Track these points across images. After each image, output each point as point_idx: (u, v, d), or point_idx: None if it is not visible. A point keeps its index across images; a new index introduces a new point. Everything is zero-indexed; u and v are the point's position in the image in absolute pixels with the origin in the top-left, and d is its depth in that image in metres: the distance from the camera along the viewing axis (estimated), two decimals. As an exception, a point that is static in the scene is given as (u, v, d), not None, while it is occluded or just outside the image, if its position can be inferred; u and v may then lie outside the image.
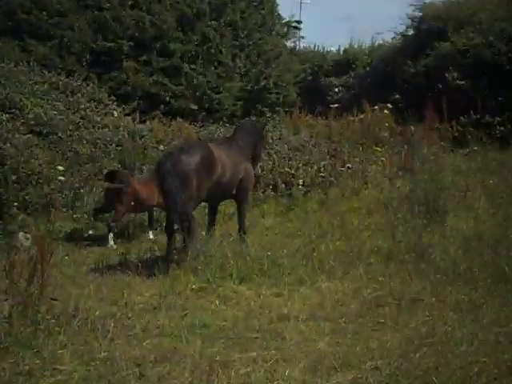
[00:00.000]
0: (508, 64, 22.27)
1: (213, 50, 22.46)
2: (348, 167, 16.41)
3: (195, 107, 21.81)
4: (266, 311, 8.47)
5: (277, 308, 8.55)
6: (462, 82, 22.75)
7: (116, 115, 18.48)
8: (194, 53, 22.32)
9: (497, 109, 21.79)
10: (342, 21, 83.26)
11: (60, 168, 13.97)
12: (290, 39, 30.96)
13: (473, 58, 23.06)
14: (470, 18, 24.31)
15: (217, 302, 8.85)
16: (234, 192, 11.49)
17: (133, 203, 12.47)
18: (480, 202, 14.25)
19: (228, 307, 8.72)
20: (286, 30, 29.27)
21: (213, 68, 22.58)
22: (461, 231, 12.21)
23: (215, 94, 22.24)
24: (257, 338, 7.46)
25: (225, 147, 11.50)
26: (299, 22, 31.83)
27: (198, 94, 22.01)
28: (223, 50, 22.69)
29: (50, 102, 17.02)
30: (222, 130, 19.05)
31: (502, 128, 21.25)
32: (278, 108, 24.26)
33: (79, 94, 18.65)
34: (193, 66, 22.27)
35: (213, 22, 22.77)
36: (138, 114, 19.63)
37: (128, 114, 19.33)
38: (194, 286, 9.45)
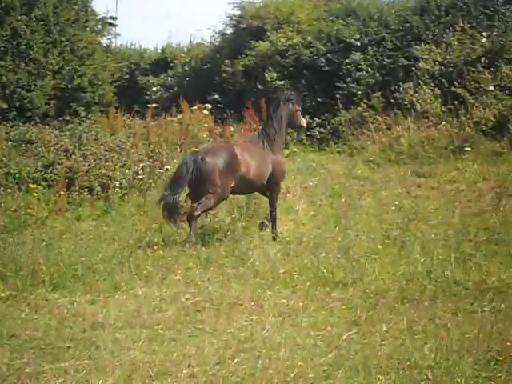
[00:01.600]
0: (327, 65, 23.05)
1: (23, 46, 21.89)
2: (167, 169, 16.42)
3: (5, 106, 21.20)
4: (80, 319, 8.41)
5: (91, 316, 8.49)
6: (282, 82, 23.31)
7: None
8: (2, 48, 21.67)
9: (316, 110, 22.46)
10: (161, 18, 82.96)
11: None
12: (105, 36, 30.59)
13: (292, 58, 23.69)
14: (288, 18, 24.94)
15: (27, 311, 8.72)
16: (263, 186, 12.83)
17: None
18: (300, 204, 14.71)
19: (39, 316, 8.58)
20: (100, 26, 28.90)
21: (23, 65, 22.01)
22: (280, 234, 12.58)
23: (26, 92, 21.70)
24: (69, 347, 7.38)
25: (252, 146, 13.04)
26: (114, 18, 31.51)
27: (7, 92, 21.42)
28: (35, 46, 22.15)
29: None
30: (34, 130, 18.57)
31: (322, 129, 21.90)
32: (93, 107, 23.92)
33: None
34: (1, 63, 21.65)
35: (23, 16, 22.24)
36: None
37: None
38: (2, 294, 9.26)
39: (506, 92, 19.02)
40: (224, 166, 12.16)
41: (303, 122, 13.80)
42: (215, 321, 8.27)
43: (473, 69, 20.08)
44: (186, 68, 27.76)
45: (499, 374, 6.33)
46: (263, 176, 12.74)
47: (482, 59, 20.27)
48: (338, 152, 20.52)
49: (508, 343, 6.96)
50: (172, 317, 8.46)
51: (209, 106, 21.76)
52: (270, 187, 12.95)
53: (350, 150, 20.19)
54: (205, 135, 19.38)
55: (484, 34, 20.97)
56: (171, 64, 28.72)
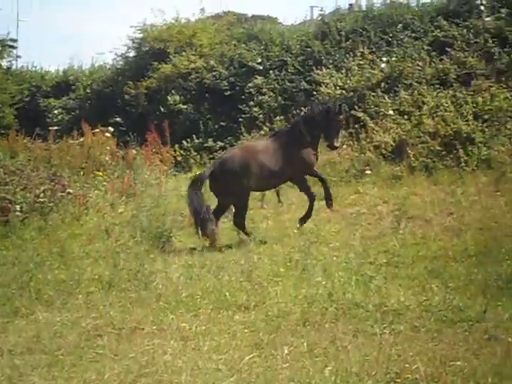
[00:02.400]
0: (229, 88, 23.23)
1: None
2: (68, 192, 16.21)
3: None
4: (-23, 346, 8.21)
5: (-11, 342, 8.31)
6: (185, 106, 23.39)
7: None
8: None
9: (219, 134, 22.60)
10: (63, 40, 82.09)
11: None
12: (4, 58, 30.15)
13: (195, 81, 23.81)
14: (191, 41, 25.07)
15: None
16: (286, 178, 14.60)
17: None
18: (203, 227, 14.72)
19: None
20: (0, 48, 28.49)
21: None
22: (184, 257, 12.55)
23: None
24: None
25: (267, 145, 14.47)
26: (15, 40, 31.23)
27: None
28: None
29: None
30: None
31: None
32: (-7, 130, 23.57)
33: None
34: None
35: None
36: None
37: None
38: None
39: (405, 116, 19.46)
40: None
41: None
42: (116, 345, 8.19)
43: (373, 93, 20.52)
44: (88, 91, 27.61)
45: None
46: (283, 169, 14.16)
47: (382, 84, 20.74)
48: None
49: (407, 365, 7.09)
50: (72, 342, 8.33)
51: (111, 128, 21.63)
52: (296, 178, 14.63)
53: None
54: (107, 158, 19.23)
55: (383, 59, 21.47)
56: (73, 86, 28.49)
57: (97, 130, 21.04)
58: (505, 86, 19.45)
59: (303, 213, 14.64)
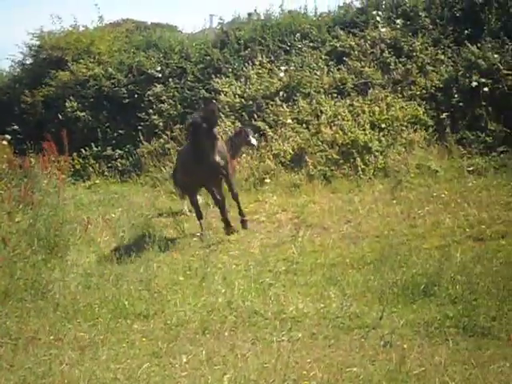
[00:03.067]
0: (128, 96, 23.08)
1: None
2: (-38, 202, 15.84)
3: None
4: None
5: None
6: (83, 114, 23.13)
7: None
8: None
9: (118, 141, 22.43)
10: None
11: None
12: None
13: (93, 88, 23.57)
14: (89, 48, 24.81)
15: None
16: None
17: None
18: (102, 235, 14.59)
19: None
20: None
21: None
22: (82, 266, 12.41)
23: None
24: None
25: None
26: None
27: None
28: None
29: None
30: None
31: (124, 161, 21.85)
32: None
33: None
34: None
35: None
36: None
37: None
38: None
39: (304, 125, 19.66)
40: None
41: None
42: (12, 356, 8.11)
43: (271, 102, 20.66)
44: (-17, 98, 26.91)
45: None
46: None
47: (281, 93, 20.89)
48: (141, 184, 20.54)
49: (304, 372, 7.20)
50: (-33, 353, 8.19)
51: (8, 136, 21.22)
52: None
53: (152, 182, 20.26)
54: (4, 166, 18.82)
55: (282, 68, 21.63)
56: (-33, 93, 27.78)
57: (-7, 138, 20.61)
58: (400, 95, 19.85)
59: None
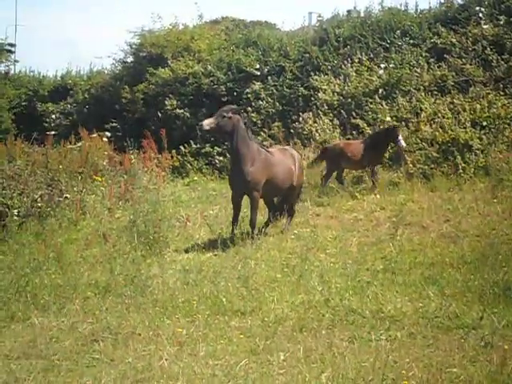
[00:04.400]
0: (227, 94, 23.26)
1: None
2: (66, 197, 16.21)
3: None
4: (-27, 350, 8.22)
5: (-15, 347, 8.31)
6: (182, 111, 23.42)
7: None
8: None
9: (216, 139, 22.56)
10: (61, 45, 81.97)
11: None
12: (3, 63, 30.26)
13: (192, 86, 23.83)
14: (188, 46, 25.09)
15: None
16: None
17: None
18: (200, 232, 14.74)
19: None
20: (-2, 53, 28.62)
21: None
22: (180, 263, 12.55)
23: None
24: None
25: None
26: (13, 44, 31.38)
27: None
28: None
29: None
30: None
31: (222, 158, 22.02)
32: (-10, 135, 23.59)
33: None
34: None
35: None
36: None
37: None
38: None
39: (403, 123, 19.48)
40: None
41: None
42: (113, 351, 8.24)
43: (370, 100, 20.55)
44: (86, 95, 27.64)
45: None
46: None
47: (380, 90, 20.78)
48: (239, 181, 20.63)
49: (403, 371, 7.12)
50: (69, 347, 8.38)
51: (108, 133, 21.64)
52: None
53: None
54: (105, 163, 19.23)
55: (381, 65, 21.51)
56: (71, 91, 28.52)
57: (94, 135, 21.04)
58: (502, 93, 19.48)
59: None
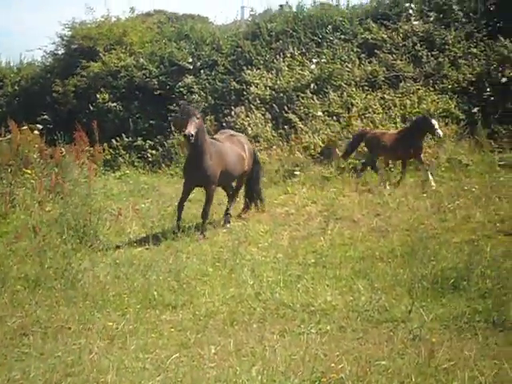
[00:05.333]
0: (159, 87, 23.13)
1: None
2: (-4, 190, 15.95)
3: None
4: None
5: None
6: (114, 104, 23.22)
7: None
8: None
9: (149, 132, 22.48)
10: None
11: None
12: None
13: (124, 79, 23.64)
14: (121, 39, 24.88)
15: None
16: None
17: None
18: (132, 226, 14.65)
19: None
20: None
21: None
22: (111, 256, 12.46)
23: None
24: None
25: None
26: None
27: None
28: None
29: None
30: None
31: (154, 152, 21.90)
32: None
33: None
34: None
35: None
36: None
37: None
38: None
39: (334, 118, 19.64)
40: None
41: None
42: (42, 345, 8.15)
43: (302, 94, 20.65)
44: (16, 87, 27.14)
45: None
46: None
47: (311, 85, 20.90)
48: (171, 174, 20.60)
49: (332, 364, 7.16)
50: (-2, 341, 8.24)
51: (39, 126, 21.32)
52: None
53: (182, 173, 20.25)
54: (35, 156, 18.93)
55: (313, 60, 21.63)
56: (0, 83, 27.98)
57: (25, 128, 20.70)
58: (432, 88, 19.80)
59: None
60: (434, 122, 16.91)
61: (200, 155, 13.89)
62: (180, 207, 14.27)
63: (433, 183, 16.18)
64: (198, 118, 13.76)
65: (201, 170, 13.96)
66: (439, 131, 16.92)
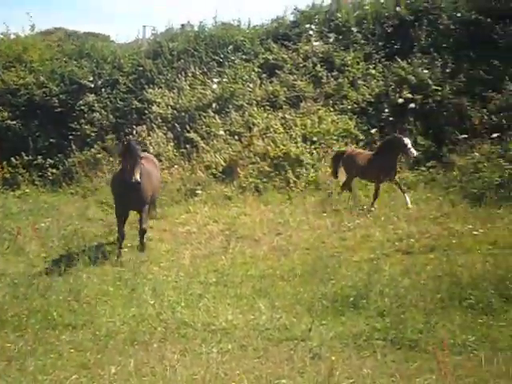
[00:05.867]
0: (60, 105, 22.81)
1: None
2: None
3: None
4: None
5: None
6: (14, 122, 22.78)
7: None
8: None
9: (49, 151, 22.12)
10: None
11: None
12: None
13: (24, 97, 23.22)
14: (20, 57, 24.45)
15: None
16: None
17: None
18: (31, 245, 14.41)
19: None
20: None
21: None
22: (10, 276, 12.23)
23: None
24: None
25: None
26: None
27: None
28: None
29: None
30: None
31: (55, 170, 21.56)
32: None
33: None
34: None
35: None
36: None
37: None
38: None
39: (235, 137, 19.72)
40: None
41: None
42: None
43: (204, 114, 20.70)
44: None
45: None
46: None
47: (213, 104, 20.95)
48: (71, 193, 20.31)
49: (233, 383, 7.20)
50: None
51: None
52: None
53: (83, 192, 20.07)
54: None
55: (215, 79, 21.69)
56: None
57: None
58: (332, 109, 20.06)
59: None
60: (406, 141, 16.33)
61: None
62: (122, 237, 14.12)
63: (409, 204, 15.80)
64: (141, 159, 13.72)
65: (139, 193, 13.85)
66: (413, 150, 16.30)
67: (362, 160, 16.75)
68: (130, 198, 13.80)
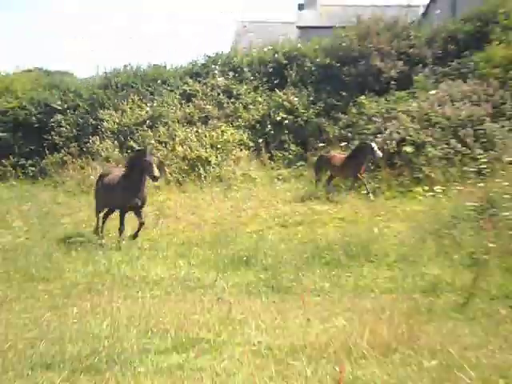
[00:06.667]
0: (37, 122, 22.28)
1: None
2: None
3: None
4: None
5: None
6: (4, 134, 22.18)
7: None
8: None
9: (29, 154, 21.64)
10: None
11: None
12: None
13: (11, 117, 22.59)
14: (8, 87, 23.78)
15: None
16: None
17: None
18: (17, 222, 14.07)
19: None
20: None
21: None
22: (1, 244, 11.94)
23: None
24: None
25: None
26: None
27: None
28: None
29: None
30: None
31: (34, 168, 21.12)
32: None
33: None
34: None
35: None
36: None
37: None
38: None
39: (163, 144, 19.59)
40: None
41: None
42: None
43: (140, 128, 20.50)
44: None
45: (154, 341, 6.53)
46: None
47: (147, 122, 20.73)
48: (45, 185, 19.84)
49: (161, 318, 7.17)
50: None
51: None
52: None
53: (53, 184, 19.63)
54: None
55: (148, 104, 21.46)
56: None
57: None
58: (231, 125, 20.12)
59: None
60: (373, 145, 15.17)
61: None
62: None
63: (372, 197, 14.67)
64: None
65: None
66: (379, 152, 15.03)
67: (337, 161, 15.73)
68: (136, 197, 12.33)
